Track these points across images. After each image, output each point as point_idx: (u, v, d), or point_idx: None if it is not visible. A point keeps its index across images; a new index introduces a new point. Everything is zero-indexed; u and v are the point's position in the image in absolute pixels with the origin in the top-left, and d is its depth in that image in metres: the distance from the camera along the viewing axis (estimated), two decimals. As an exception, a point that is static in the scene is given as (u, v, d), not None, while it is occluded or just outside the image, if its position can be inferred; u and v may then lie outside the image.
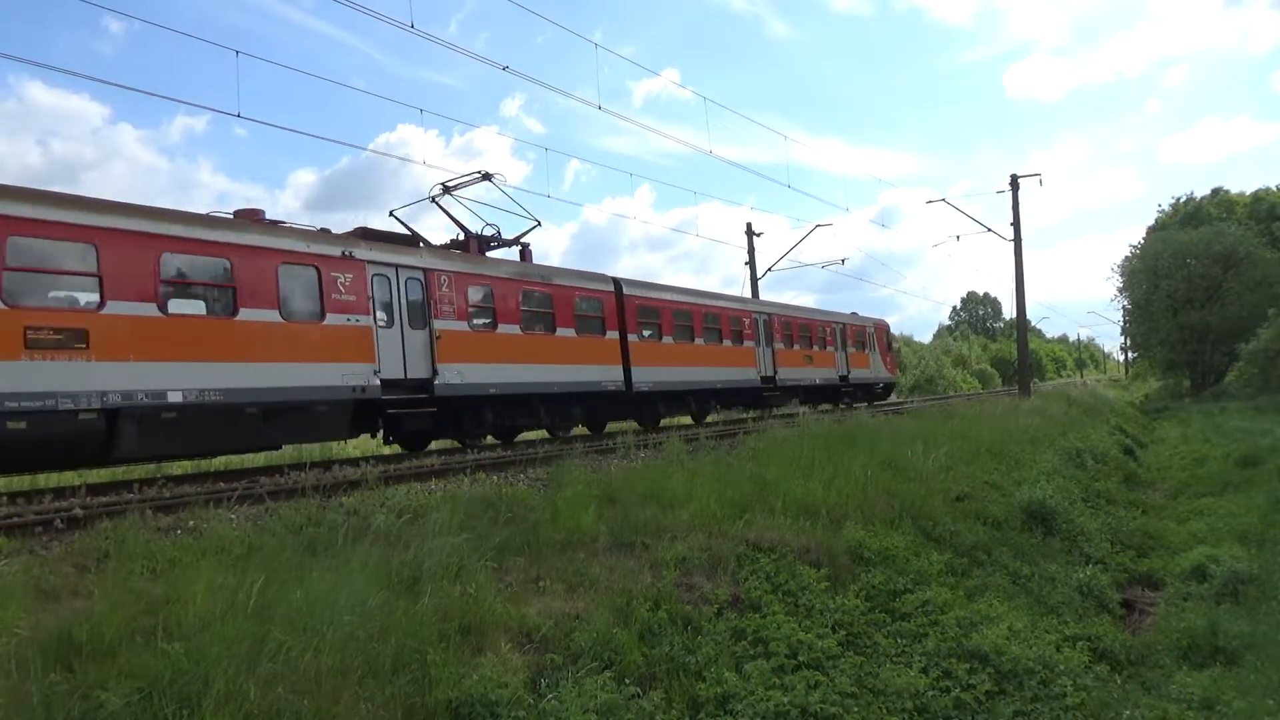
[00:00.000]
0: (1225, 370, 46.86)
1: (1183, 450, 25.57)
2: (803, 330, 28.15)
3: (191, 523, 7.42)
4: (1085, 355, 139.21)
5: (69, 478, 12.24)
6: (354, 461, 12.70)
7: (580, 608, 6.63)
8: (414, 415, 14.05)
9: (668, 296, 21.52)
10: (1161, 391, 54.73)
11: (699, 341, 22.07)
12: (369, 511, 7.74)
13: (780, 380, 25.62)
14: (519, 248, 18.35)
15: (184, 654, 4.49)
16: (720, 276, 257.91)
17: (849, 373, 31.08)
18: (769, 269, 38.62)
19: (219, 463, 13.77)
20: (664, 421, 21.86)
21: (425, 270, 14.44)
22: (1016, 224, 36.84)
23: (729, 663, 6.50)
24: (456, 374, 14.57)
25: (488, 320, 15.77)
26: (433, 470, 11.27)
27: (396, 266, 14.04)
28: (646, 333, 20.20)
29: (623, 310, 19.16)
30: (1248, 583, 10.33)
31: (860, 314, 34.69)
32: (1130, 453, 25.18)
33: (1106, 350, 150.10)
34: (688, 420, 22.68)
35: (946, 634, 7.58)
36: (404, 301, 14.09)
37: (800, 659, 6.65)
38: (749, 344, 24.40)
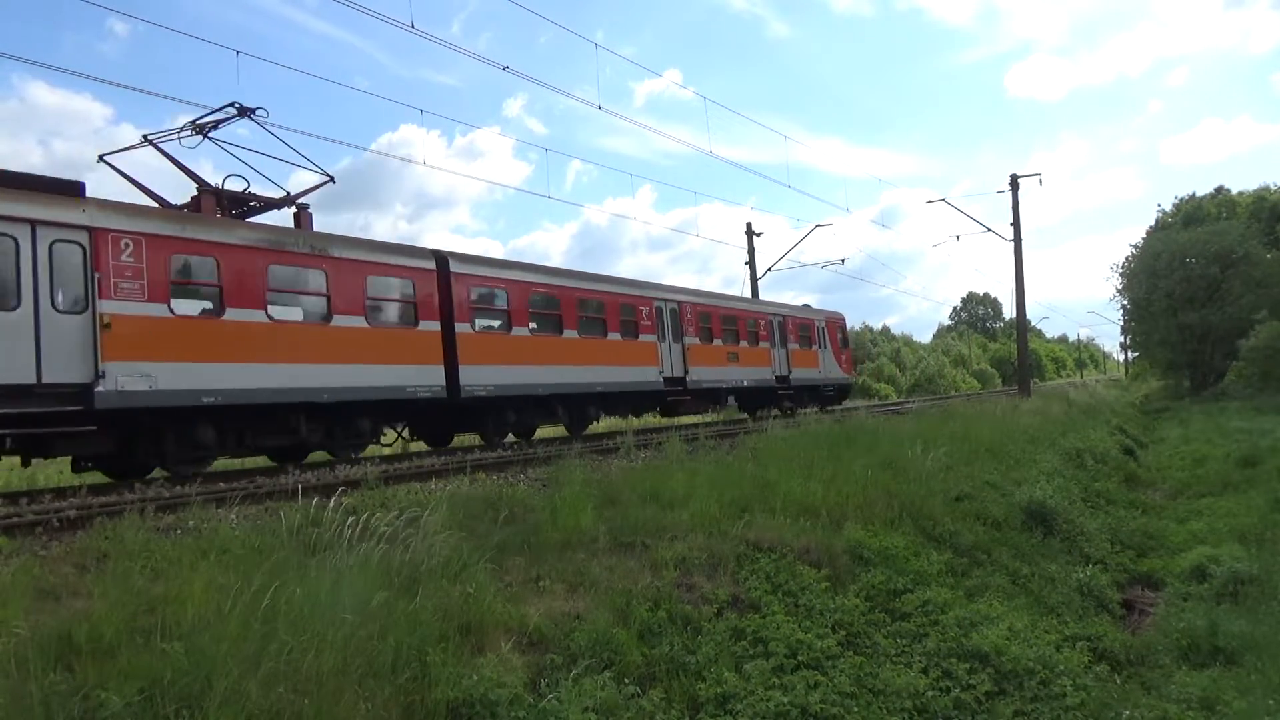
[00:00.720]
0: (1225, 370, 46.81)
1: (1183, 450, 25.55)
2: (727, 322, 24.11)
3: (191, 523, 7.43)
4: (1085, 355, 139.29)
5: (69, 478, 12.25)
6: (354, 461, 12.72)
7: (580, 608, 6.64)
8: (60, 438, 10.22)
9: (521, 277, 17.36)
10: (1161, 391, 54.65)
11: (570, 334, 18.05)
12: (369, 511, 7.74)
13: (693, 381, 21.76)
14: (294, 209, 14.42)
15: (184, 654, 4.49)
16: (721, 276, 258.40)
17: (790, 373, 26.91)
18: (769, 269, 38.71)
19: (219, 463, 13.77)
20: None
21: (91, 230, 10.43)
22: (1016, 224, 36.90)
23: (729, 662, 6.50)
24: (141, 377, 10.65)
25: (209, 304, 11.95)
26: (433, 470, 11.28)
27: (33, 223, 10.01)
28: (486, 322, 16.39)
29: (448, 293, 15.25)
30: (1248, 583, 10.33)
31: (812, 306, 31.36)
32: (1130, 453, 25.18)
33: (1106, 350, 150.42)
34: (558, 430, 19.32)
35: (946, 634, 7.59)
36: (45, 274, 10.11)
37: (800, 659, 6.65)
38: (648, 338, 20.44)
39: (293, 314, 12.96)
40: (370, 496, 8.56)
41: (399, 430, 16.17)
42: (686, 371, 21.60)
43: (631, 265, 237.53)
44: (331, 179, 15.05)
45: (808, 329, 29.04)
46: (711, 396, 23.16)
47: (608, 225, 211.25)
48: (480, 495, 9.06)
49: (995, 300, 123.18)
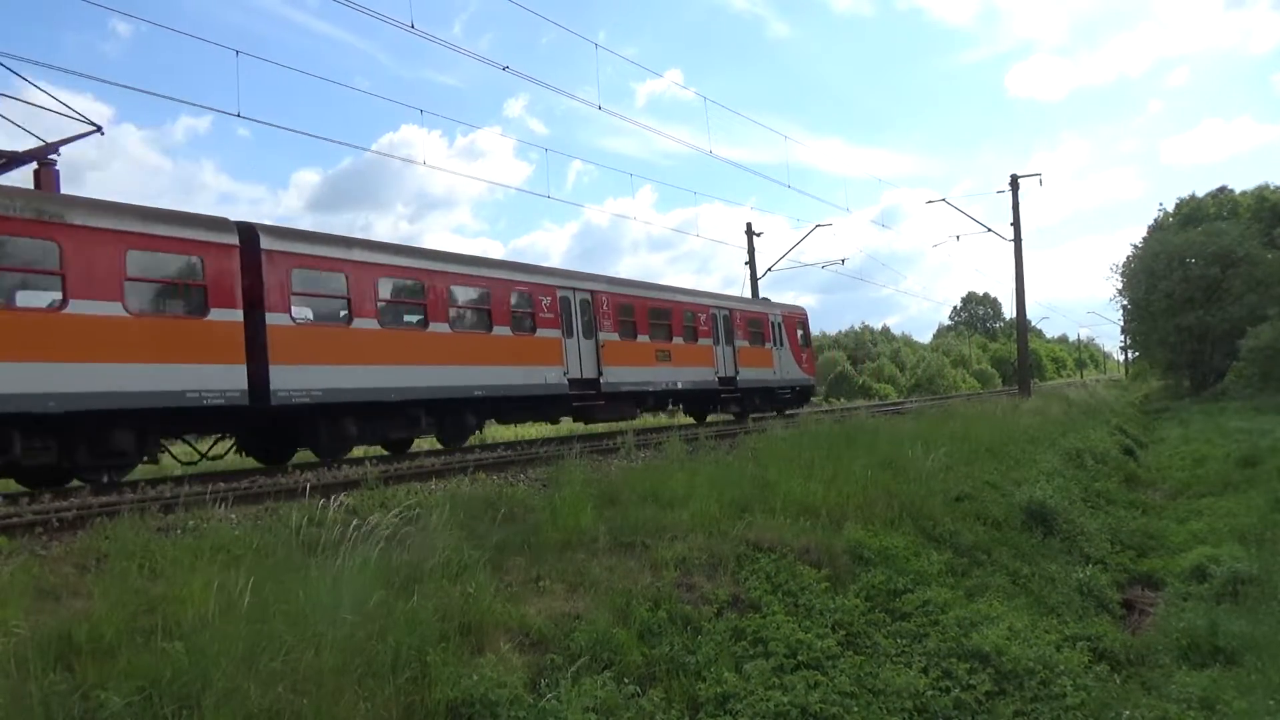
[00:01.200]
0: (1225, 370, 46.83)
1: (1183, 450, 25.58)
2: (656, 316, 21.24)
3: (191, 523, 7.43)
4: (1085, 355, 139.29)
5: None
6: (354, 461, 12.72)
7: (580, 607, 6.64)
8: None
9: (368, 258, 14.13)
10: (1161, 391, 54.73)
11: (439, 328, 15.15)
12: (369, 511, 7.75)
13: (609, 384, 18.91)
14: (33, 167, 11.64)
15: (184, 653, 4.49)
16: (721, 276, 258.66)
17: (737, 373, 24.08)
18: (769, 269, 38.64)
19: (221, 463, 13.76)
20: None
21: None
22: (1016, 224, 36.92)
23: (729, 662, 6.50)
24: None
25: None
26: (433, 470, 11.28)
27: None
28: (314, 312, 13.58)
29: (258, 276, 12.36)
30: (1248, 583, 10.33)
31: (772, 299, 28.84)
32: (1130, 453, 25.20)
33: (1106, 350, 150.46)
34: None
35: (946, 634, 7.59)
36: None
37: (800, 659, 6.65)
38: (549, 333, 17.62)
39: (4, 298, 10.07)
40: (370, 496, 8.58)
41: (202, 447, 13.49)
42: (600, 373, 18.81)
43: (632, 265, 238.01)
44: (99, 129, 12.01)
45: (759, 324, 26.03)
46: (633, 400, 20.32)
47: (608, 225, 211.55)
48: (480, 495, 9.06)
49: (995, 300, 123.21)
